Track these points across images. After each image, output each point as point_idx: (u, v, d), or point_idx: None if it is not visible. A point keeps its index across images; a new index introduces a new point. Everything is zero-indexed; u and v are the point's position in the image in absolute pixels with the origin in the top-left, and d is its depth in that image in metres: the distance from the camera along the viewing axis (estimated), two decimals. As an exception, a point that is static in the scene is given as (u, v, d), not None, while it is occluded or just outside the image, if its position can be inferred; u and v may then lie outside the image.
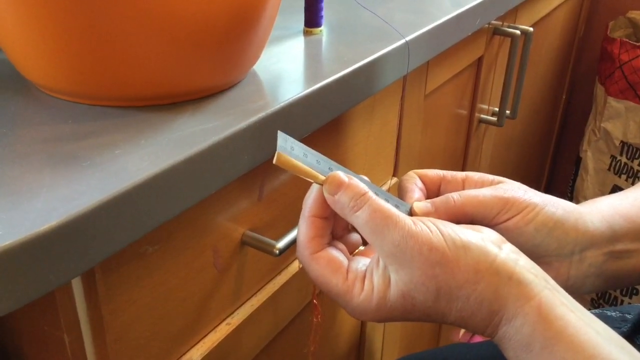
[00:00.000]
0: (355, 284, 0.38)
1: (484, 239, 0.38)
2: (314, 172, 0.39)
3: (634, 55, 1.35)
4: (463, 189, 0.45)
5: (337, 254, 0.40)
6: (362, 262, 0.40)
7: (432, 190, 0.46)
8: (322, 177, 0.39)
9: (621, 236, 0.46)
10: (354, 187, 0.38)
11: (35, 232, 0.28)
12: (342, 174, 0.39)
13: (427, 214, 0.42)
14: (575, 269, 0.45)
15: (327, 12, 0.63)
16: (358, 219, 0.38)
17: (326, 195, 0.39)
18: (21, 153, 0.35)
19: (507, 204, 0.43)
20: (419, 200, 0.44)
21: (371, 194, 0.38)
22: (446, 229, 0.37)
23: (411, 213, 0.42)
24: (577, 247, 0.45)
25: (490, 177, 0.46)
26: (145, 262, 0.39)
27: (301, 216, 0.40)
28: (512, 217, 0.42)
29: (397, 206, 0.41)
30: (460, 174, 0.46)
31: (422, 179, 0.46)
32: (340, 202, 0.38)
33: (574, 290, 0.46)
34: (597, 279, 0.47)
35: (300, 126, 0.46)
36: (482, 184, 0.45)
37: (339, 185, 0.39)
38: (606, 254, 0.46)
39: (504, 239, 0.40)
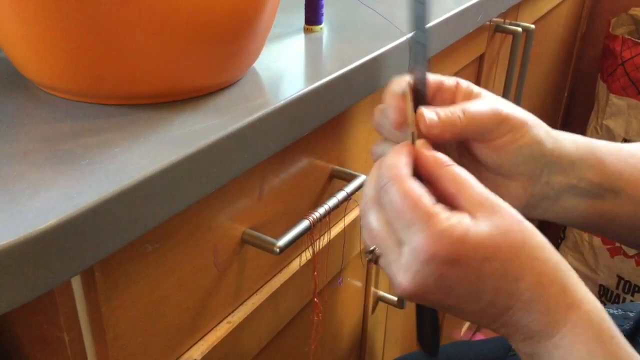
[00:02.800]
0: (443, 211, 0.36)
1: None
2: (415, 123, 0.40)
3: (636, 52, 1.34)
4: (455, 97, 0.44)
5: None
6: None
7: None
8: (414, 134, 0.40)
9: (587, 175, 0.47)
10: (441, 155, 0.39)
11: (35, 231, 0.28)
12: (425, 143, 0.40)
13: (432, 127, 0.41)
14: (539, 189, 0.46)
15: (327, 9, 0.63)
16: (450, 171, 0.38)
17: (423, 150, 0.39)
18: (20, 151, 0.35)
19: (503, 122, 0.43)
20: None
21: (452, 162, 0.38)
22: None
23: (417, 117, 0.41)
24: (546, 169, 0.46)
25: (475, 88, 0.45)
26: (145, 260, 0.39)
27: (392, 150, 0.40)
28: (505, 134, 0.43)
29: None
30: (451, 81, 0.45)
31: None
32: (435, 157, 0.39)
33: (527, 211, 0.47)
34: (552, 205, 0.48)
35: (300, 124, 0.45)
36: (469, 95, 0.44)
37: (428, 147, 0.39)
38: (569, 185, 0.47)
39: None
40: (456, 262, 0.35)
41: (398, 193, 0.37)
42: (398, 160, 0.38)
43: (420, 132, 0.40)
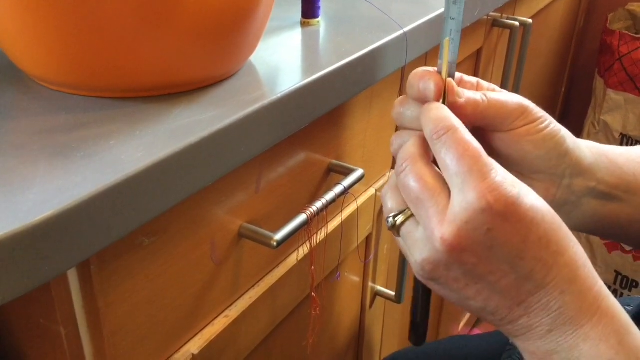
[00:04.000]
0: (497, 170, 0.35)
1: None
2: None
3: (634, 47, 1.34)
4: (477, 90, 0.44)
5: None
6: None
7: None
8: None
9: (604, 177, 0.47)
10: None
11: (30, 224, 0.28)
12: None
13: (459, 95, 0.40)
14: (562, 192, 0.46)
15: (324, 3, 0.62)
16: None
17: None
18: (15, 144, 0.35)
19: (526, 111, 0.42)
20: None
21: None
22: None
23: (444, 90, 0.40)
24: (569, 170, 0.45)
25: (498, 88, 0.45)
26: (142, 254, 0.39)
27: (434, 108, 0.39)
28: (527, 124, 0.42)
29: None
30: (472, 79, 0.45)
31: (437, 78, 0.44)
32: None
33: None
34: (573, 210, 0.47)
35: (297, 118, 0.45)
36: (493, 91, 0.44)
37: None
38: (589, 188, 0.47)
39: None
40: (509, 217, 0.34)
41: (460, 142, 0.36)
42: (452, 116, 0.37)
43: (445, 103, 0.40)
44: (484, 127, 0.43)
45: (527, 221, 0.34)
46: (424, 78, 0.41)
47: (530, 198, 0.35)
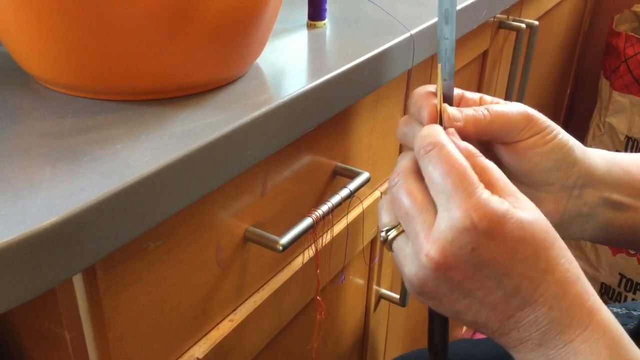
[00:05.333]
0: (484, 187, 0.35)
1: None
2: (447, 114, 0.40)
3: (640, 49, 1.34)
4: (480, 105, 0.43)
5: None
6: None
7: None
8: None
9: (618, 186, 0.46)
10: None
11: (36, 228, 0.28)
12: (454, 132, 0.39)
13: (455, 119, 0.40)
14: (572, 204, 0.45)
15: (330, 5, 0.62)
16: (480, 162, 0.37)
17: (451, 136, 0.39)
18: (21, 148, 0.35)
19: (531, 122, 0.42)
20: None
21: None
22: None
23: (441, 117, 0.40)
24: (579, 180, 0.45)
25: (502, 101, 0.44)
26: (148, 258, 0.38)
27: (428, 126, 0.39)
28: (533, 135, 0.42)
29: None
30: (475, 95, 0.45)
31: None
32: (464, 146, 0.38)
33: (563, 229, 0.46)
34: (588, 221, 0.47)
35: (304, 120, 0.45)
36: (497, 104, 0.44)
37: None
38: (602, 198, 0.46)
39: None
40: (494, 236, 0.34)
41: (446, 159, 0.35)
42: (439, 131, 0.38)
43: (444, 128, 0.39)
44: (491, 140, 0.43)
45: (513, 240, 0.34)
46: (416, 104, 0.41)
47: (520, 215, 0.35)
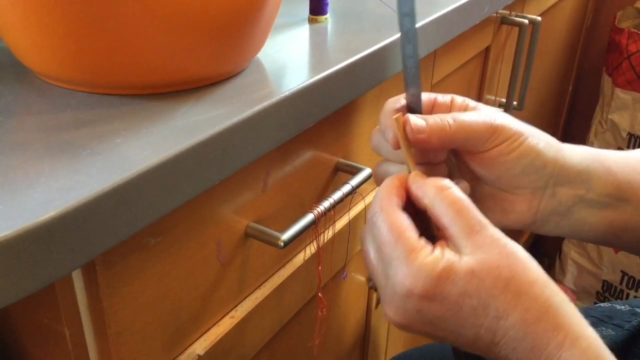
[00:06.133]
0: (425, 246, 0.36)
1: None
2: (412, 157, 0.40)
3: (643, 45, 1.33)
4: (450, 111, 0.44)
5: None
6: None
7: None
8: (414, 167, 0.40)
9: (596, 185, 0.46)
10: (438, 178, 0.39)
11: (34, 223, 0.27)
12: (419, 173, 0.40)
13: (418, 131, 0.40)
14: (545, 203, 0.45)
15: (332, -1, 0.62)
16: (439, 203, 0.37)
17: (411, 184, 0.39)
18: (20, 142, 0.34)
19: (496, 132, 0.42)
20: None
21: (450, 185, 0.38)
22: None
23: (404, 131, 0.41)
24: (551, 180, 0.45)
25: (472, 102, 0.45)
26: (148, 254, 0.38)
27: (385, 181, 0.40)
28: (499, 144, 0.42)
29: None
30: (447, 97, 0.45)
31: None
32: (422, 189, 0.38)
33: (537, 227, 0.47)
34: (562, 219, 0.47)
35: (305, 115, 0.45)
36: (465, 108, 0.44)
37: (423, 176, 0.39)
38: (578, 196, 0.46)
39: None
40: (433, 298, 0.35)
41: (384, 225, 0.37)
42: (388, 191, 0.39)
43: (408, 140, 0.40)
44: (457, 149, 0.43)
45: (455, 296, 0.35)
46: (383, 122, 0.42)
47: (462, 267, 0.35)
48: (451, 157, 0.46)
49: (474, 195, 0.45)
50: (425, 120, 0.41)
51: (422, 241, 0.36)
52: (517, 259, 0.36)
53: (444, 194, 0.37)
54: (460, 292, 0.35)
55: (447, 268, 0.35)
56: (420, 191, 0.38)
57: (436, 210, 0.37)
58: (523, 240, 1.57)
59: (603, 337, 0.47)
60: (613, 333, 0.61)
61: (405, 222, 0.37)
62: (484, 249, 0.36)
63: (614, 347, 0.51)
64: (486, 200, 0.45)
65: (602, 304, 0.67)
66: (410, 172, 0.40)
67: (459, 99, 0.45)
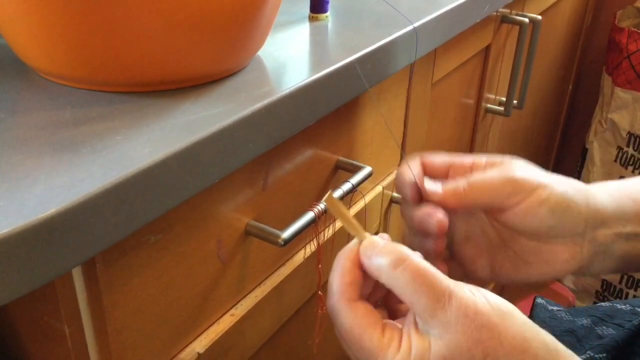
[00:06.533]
0: (391, 342, 0.35)
1: (524, 316, 0.36)
2: (358, 226, 0.38)
3: (643, 45, 1.33)
4: (471, 171, 0.43)
5: (372, 308, 0.37)
6: (397, 324, 0.37)
7: (439, 178, 0.45)
8: (364, 235, 0.37)
9: (630, 218, 0.46)
10: (392, 248, 0.36)
11: (34, 220, 0.27)
12: (377, 239, 0.37)
13: (433, 195, 0.41)
14: (587, 248, 0.45)
15: (333, -3, 0.61)
16: (397, 280, 0.35)
17: (362, 258, 0.37)
18: (20, 139, 0.34)
19: (517, 186, 0.41)
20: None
21: (410, 253, 0.36)
22: (490, 295, 0.35)
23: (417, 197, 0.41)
24: (589, 225, 0.44)
25: (498, 158, 0.44)
26: (148, 251, 0.38)
27: (336, 262, 0.38)
28: (524, 199, 0.41)
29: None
30: (467, 160, 0.45)
31: (428, 166, 0.45)
32: (376, 265, 0.36)
33: (584, 271, 0.46)
34: (606, 259, 0.46)
35: (305, 114, 0.45)
36: (490, 167, 0.44)
37: (374, 247, 0.36)
38: (616, 234, 0.45)
39: None
40: None
41: (343, 325, 0.36)
42: (339, 282, 0.36)
43: (345, 214, 0.39)
44: (483, 208, 0.43)
45: None
46: (400, 190, 0.43)
47: (432, 356, 0.33)
48: (483, 217, 0.45)
49: (514, 252, 0.45)
50: (441, 185, 0.41)
51: (388, 333, 0.35)
52: (490, 330, 0.33)
53: (400, 269, 0.35)
54: None
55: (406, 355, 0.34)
56: (374, 268, 0.36)
57: (396, 290, 0.35)
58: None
59: (603, 336, 0.47)
60: (614, 332, 0.61)
61: (363, 319, 0.35)
62: (452, 328, 0.34)
63: (615, 347, 0.50)
64: (528, 256, 0.45)
65: (602, 304, 0.67)
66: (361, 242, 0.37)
67: (483, 159, 0.44)
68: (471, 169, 0.44)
